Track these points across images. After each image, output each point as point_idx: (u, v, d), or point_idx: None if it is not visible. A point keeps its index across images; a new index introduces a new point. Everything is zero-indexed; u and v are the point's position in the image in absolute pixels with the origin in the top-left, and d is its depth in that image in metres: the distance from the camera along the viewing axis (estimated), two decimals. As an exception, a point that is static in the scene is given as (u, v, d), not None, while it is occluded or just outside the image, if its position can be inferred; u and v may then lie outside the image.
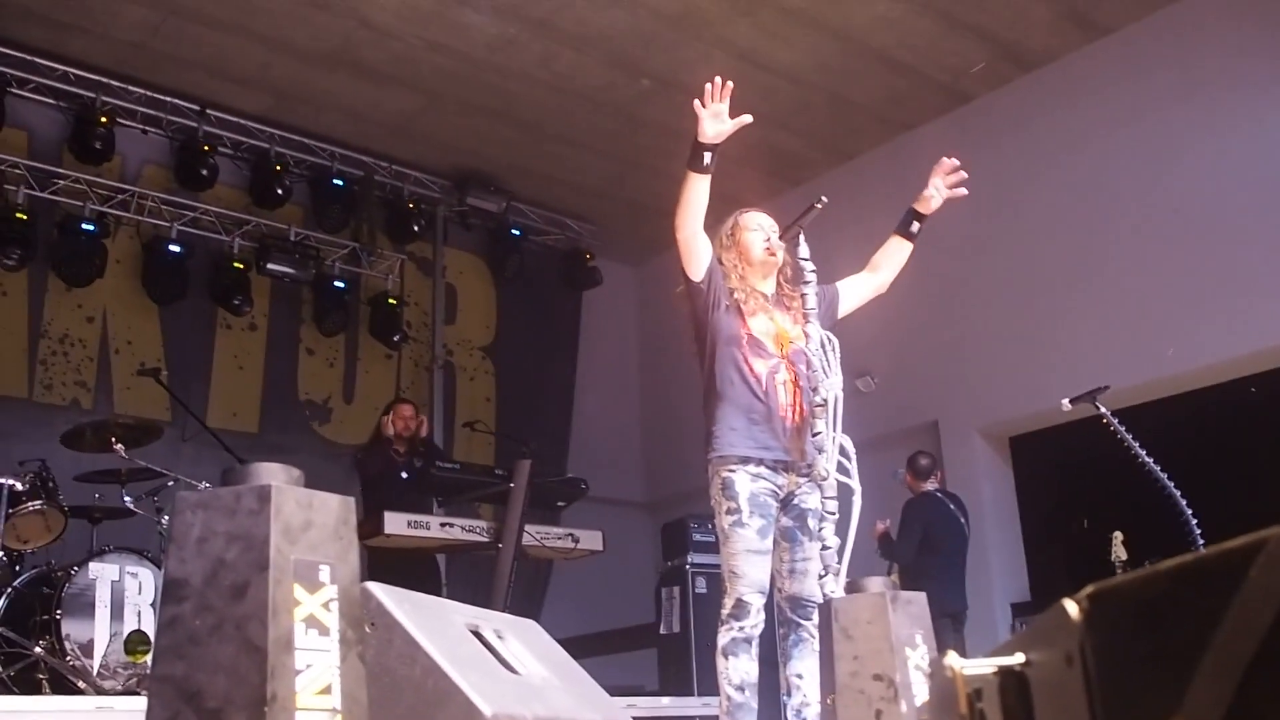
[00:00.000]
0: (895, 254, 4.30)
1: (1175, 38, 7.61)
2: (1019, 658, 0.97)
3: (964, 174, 4.26)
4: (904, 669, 2.84)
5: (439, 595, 6.47)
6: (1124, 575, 0.84)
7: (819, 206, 3.78)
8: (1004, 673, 0.99)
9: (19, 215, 7.65)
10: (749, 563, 3.75)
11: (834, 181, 9.22)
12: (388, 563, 6.32)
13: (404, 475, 7.09)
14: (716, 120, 3.74)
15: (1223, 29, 7.39)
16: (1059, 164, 8.08)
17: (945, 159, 4.30)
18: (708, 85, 3.73)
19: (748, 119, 3.76)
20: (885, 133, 9.19)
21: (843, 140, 9.30)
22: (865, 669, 2.87)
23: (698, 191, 3.86)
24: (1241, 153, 7.20)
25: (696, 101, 3.74)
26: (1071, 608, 0.85)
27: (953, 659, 1.00)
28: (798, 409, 3.89)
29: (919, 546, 7.22)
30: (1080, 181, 7.95)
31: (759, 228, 4.10)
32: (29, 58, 7.86)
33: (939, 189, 4.26)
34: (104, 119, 8.06)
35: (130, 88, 8.27)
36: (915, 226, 4.29)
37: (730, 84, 3.72)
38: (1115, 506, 6.70)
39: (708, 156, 3.79)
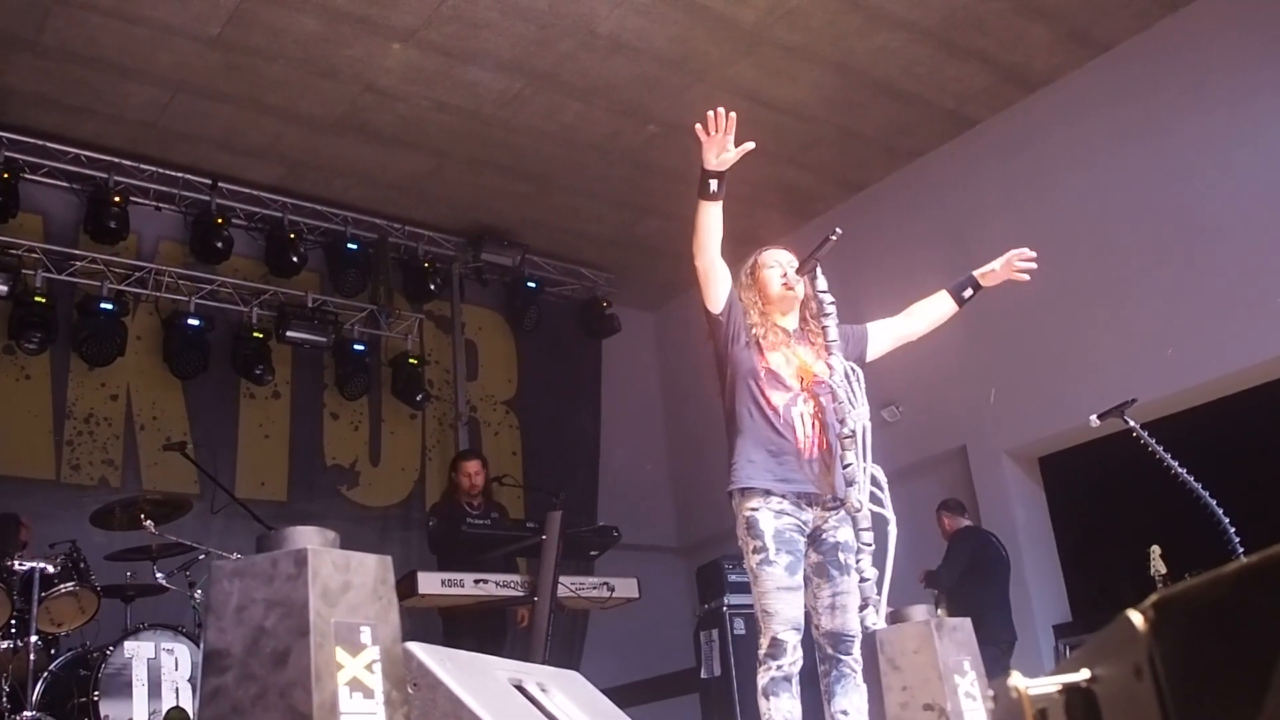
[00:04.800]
0: (938, 310, 4.29)
1: (1178, 48, 7.61)
2: (1084, 674, 0.95)
3: (1035, 265, 4.23)
4: (954, 696, 2.80)
5: (501, 649, 6.58)
6: (1189, 581, 0.82)
7: (834, 239, 3.78)
8: (1070, 690, 0.96)
9: (38, 299, 7.71)
10: (781, 600, 3.71)
11: (847, 213, 9.23)
12: (463, 619, 6.65)
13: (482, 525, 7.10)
14: (720, 148, 3.76)
15: (1225, 37, 7.39)
16: (1070, 182, 8.07)
17: (1027, 249, 4.26)
18: (710, 114, 3.75)
19: (750, 146, 3.78)
20: (894, 162, 9.20)
21: (852, 172, 9.32)
22: (915, 699, 2.83)
23: (710, 219, 3.87)
24: (1253, 158, 7.17)
25: (699, 127, 3.76)
26: (1137, 618, 0.83)
27: (1017, 679, 0.97)
28: (820, 442, 3.88)
29: (969, 577, 7.23)
30: (1093, 197, 7.93)
31: (776, 264, 4.11)
32: (41, 143, 7.97)
33: (1004, 267, 4.24)
34: (117, 198, 8.15)
35: (142, 166, 8.36)
36: (969, 293, 4.28)
37: (733, 115, 3.74)
38: (1150, 520, 6.62)
39: (714, 183, 3.81)
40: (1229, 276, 7.16)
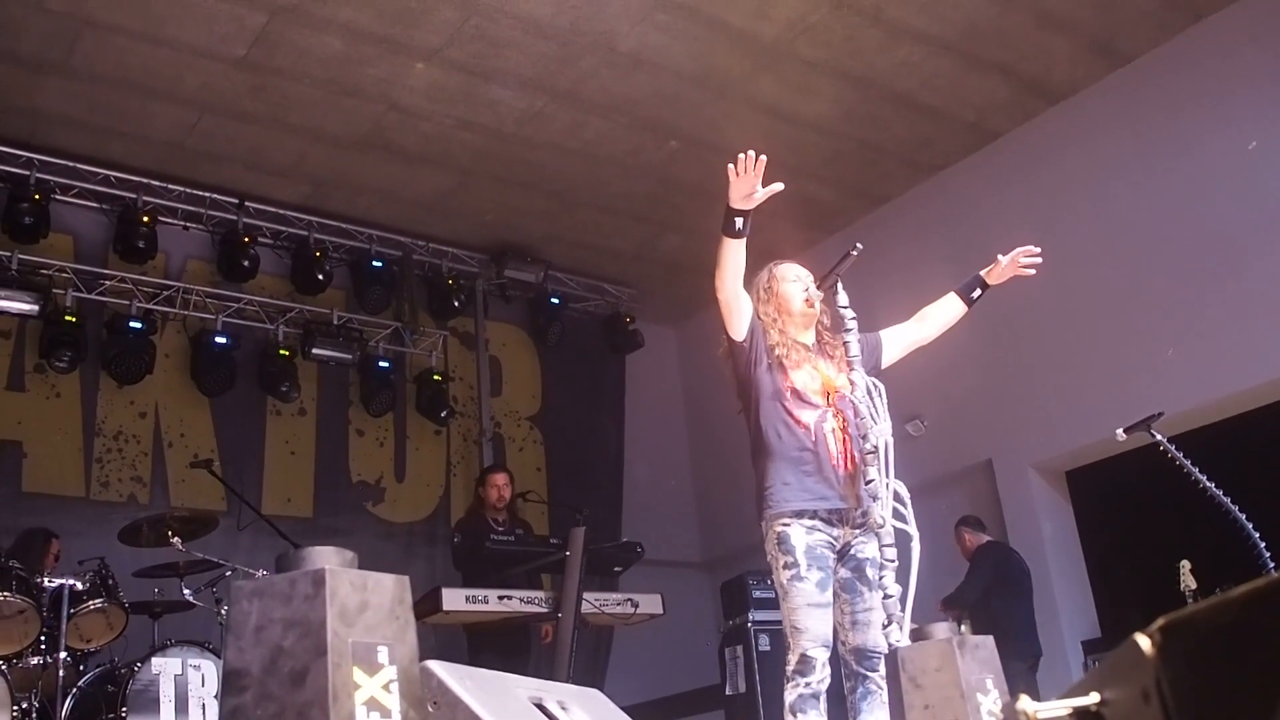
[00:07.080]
0: (948, 313, 4.28)
1: (1200, 60, 7.57)
2: (1093, 697, 0.94)
3: (1040, 259, 4.22)
4: (976, 715, 2.78)
5: (525, 665, 6.57)
6: (1196, 605, 0.81)
7: (854, 254, 3.77)
8: (1079, 714, 0.95)
9: (68, 318, 7.80)
10: (810, 616, 3.70)
11: (868, 227, 9.22)
12: (487, 636, 6.66)
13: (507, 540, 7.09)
14: (749, 188, 3.74)
15: (1247, 48, 7.33)
16: (1093, 193, 8.03)
17: (1032, 246, 4.25)
18: (740, 156, 3.73)
19: (778, 187, 3.75)
20: (916, 175, 9.18)
21: (874, 186, 9.30)
22: (937, 718, 2.81)
23: (734, 255, 3.86)
24: (1276, 169, 7.11)
25: (730, 166, 3.74)
26: (1144, 642, 0.83)
27: (1025, 703, 0.97)
28: (849, 457, 3.86)
29: (993, 593, 7.20)
30: (1117, 209, 7.88)
31: (797, 279, 4.10)
32: (70, 164, 8.05)
33: (1010, 264, 4.22)
34: (146, 218, 8.22)
35: (170, 186, 8.44)
36: (977, 294, 4.26)
37: (764, 158, 3.71)
38: (1179, 535, 6.57)
39: (739, 221, 3.79)
40: (1254, 287, 7.10)
